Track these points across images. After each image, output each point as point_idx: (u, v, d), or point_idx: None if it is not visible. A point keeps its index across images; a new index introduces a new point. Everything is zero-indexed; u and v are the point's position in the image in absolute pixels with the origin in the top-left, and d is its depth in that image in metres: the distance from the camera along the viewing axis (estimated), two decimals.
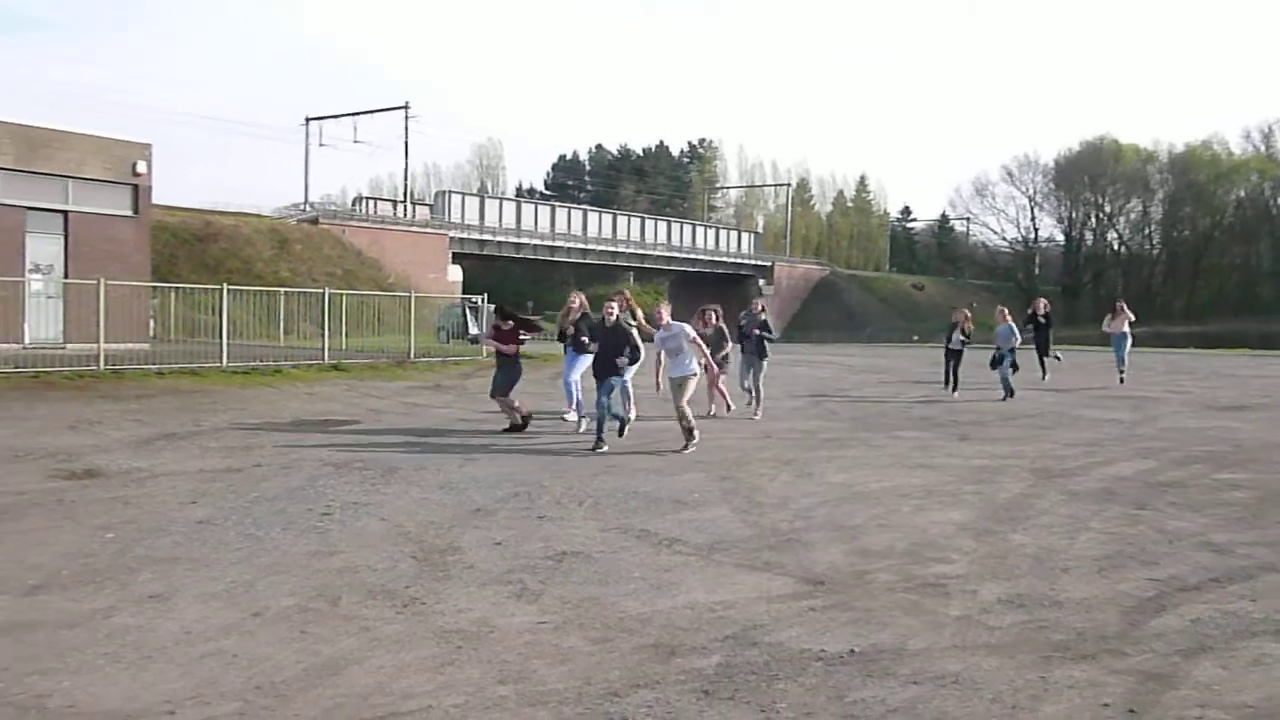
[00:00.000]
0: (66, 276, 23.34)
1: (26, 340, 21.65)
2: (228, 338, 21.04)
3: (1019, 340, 19.29)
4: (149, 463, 10.59)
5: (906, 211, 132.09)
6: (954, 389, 19.67)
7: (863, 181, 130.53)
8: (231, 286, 22.93)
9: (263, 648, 5.06)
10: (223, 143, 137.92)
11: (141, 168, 25.40)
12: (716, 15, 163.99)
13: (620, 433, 12.86)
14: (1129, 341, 23.27)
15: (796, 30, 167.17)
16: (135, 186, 25.47)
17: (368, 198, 77.31)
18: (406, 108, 69.56)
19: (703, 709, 4.42)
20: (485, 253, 71.92)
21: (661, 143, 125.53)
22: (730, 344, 16.15)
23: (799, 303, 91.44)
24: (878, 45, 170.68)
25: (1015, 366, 19.07)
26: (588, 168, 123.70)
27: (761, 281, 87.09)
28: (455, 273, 63.98)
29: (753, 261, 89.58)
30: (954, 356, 19.96)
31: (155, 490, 9.11)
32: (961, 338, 19.89)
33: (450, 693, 4.52)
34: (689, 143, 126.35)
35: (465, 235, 68.07)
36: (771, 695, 4.58)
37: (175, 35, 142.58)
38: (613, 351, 12.55)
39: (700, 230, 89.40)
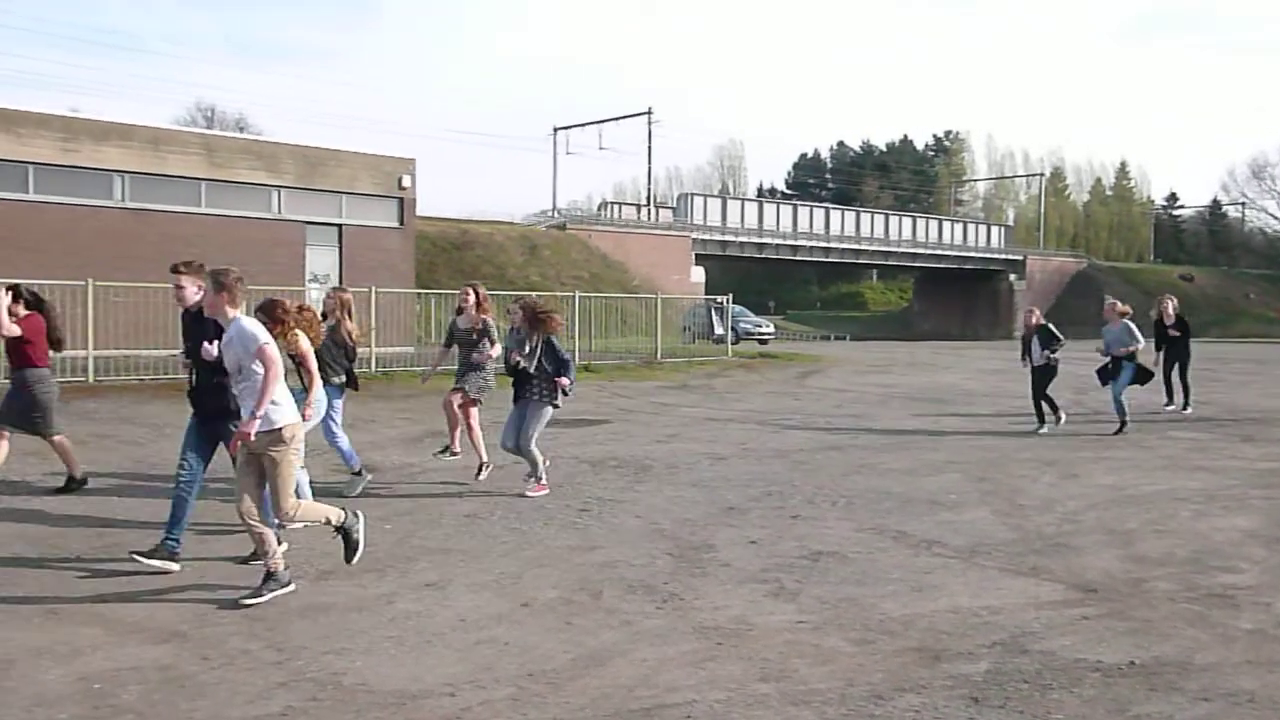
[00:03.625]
0: (340, 285, 25.00)
1: None
2: None
3: (1140, 344, 13.60)
4: (418, 459, 11.21)
5: (1173, 198, 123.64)
6: (1182, 403, 16.05)
7: (1123, 168, 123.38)
8: (487, 292, 23.95)
9: (532, 637, 5.26)
10: (477, 156, 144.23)
11: (406, 181, 26.98)
12: (961, 5, 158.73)
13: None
14: None
15: (1046, 11, 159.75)
16: (401, 199, 27.08)
17: (612, 202, 79.12)
18: (649, 113, 70.73)
19: (972, 716, 4.28)
20: (727, 254, 72.19)
21: (905, 136, 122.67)
22: None
23: (1054, 297, 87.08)
24: (1135, 24, 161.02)
25: (1139, 379, 13.65)
26: (829, 165, 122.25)
27: (1013, 276, 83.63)
28: (698, 274, 64.53)
29: (1003, 256, 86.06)
30: (1171, 359, 16.13)
31: (426, 485, 9.65)
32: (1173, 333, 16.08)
33: (713, 688, 4.56)
34: (934, 135, 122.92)
35: (707, 237, 68.54)
36: (1046, 705, 4.39)
37: (433, 60, 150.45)
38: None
39: (947, 225, 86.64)
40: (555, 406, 9.26)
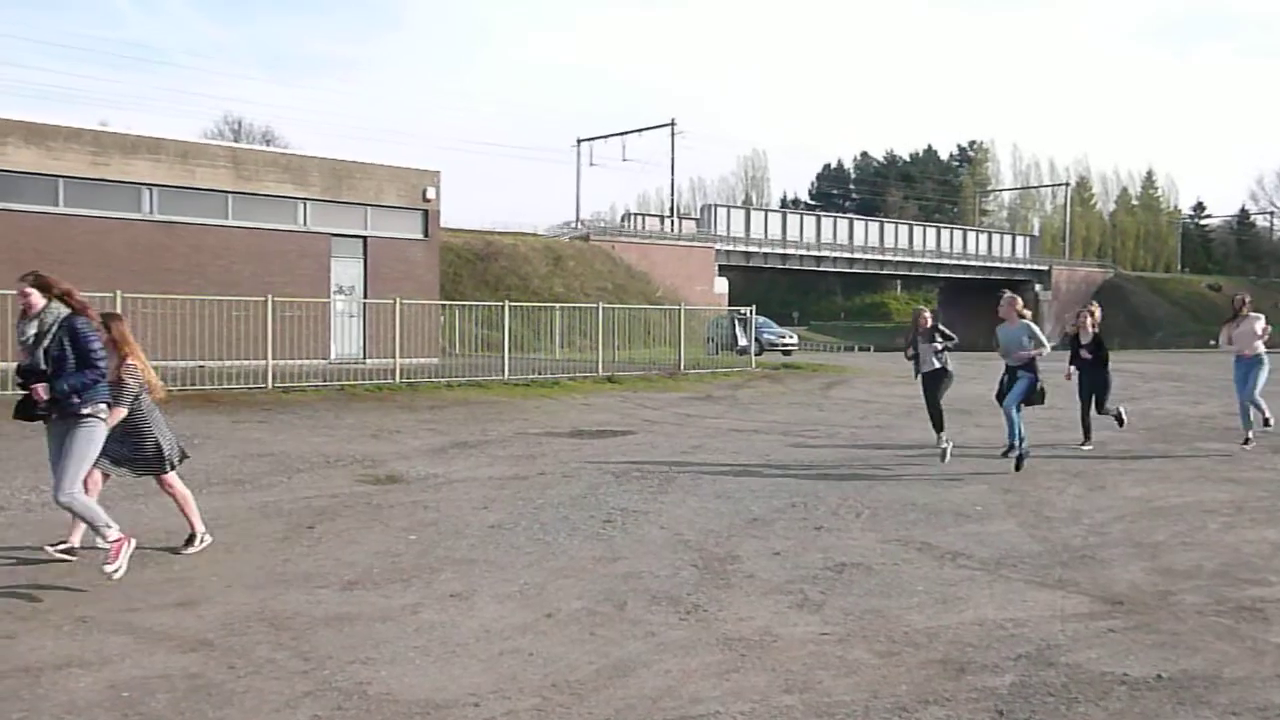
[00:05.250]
0: (366, 297, 25.19)
1: (332, 355, 23.51)
2: (509, 352, 22.10)
3: (1045, 349, 11.14)
4: (444, 469, 11.25)
5: (1200, 207, 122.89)
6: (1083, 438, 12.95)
7: (1149, 177, 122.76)
8: (512, 303, 24.08)
9: (556, 647, 5.27)
10: (501, 167, 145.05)
11: (431, 193, 27.11)
12: (985, 15, 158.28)
13: None
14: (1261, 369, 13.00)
15: (1069, 22, 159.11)
16: (426, 211, 27.21)
17: (636, 213, 79.32)
18: (673, 125, 70.95)
19: None
20: (751, 264, 72.25)
21: (929, 146, 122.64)
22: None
23: (1080, 307, 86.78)
24: (1160, 31, 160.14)
25: (1031, 398, 11.22)
26: (853, 175, 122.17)
27: (1038, 287, 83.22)
28: (721, 285, 64.56)
29: (1028, 266, 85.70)
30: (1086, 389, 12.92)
31: (451, 495, 9.67)
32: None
33: (737, 700, 4.56)
34: (958, 145, 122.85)
35: (731, 247, 68.62)
36: (1072, 718, 4.37)
37: (458, 73, 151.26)
38: None
39: (971, 235, 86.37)
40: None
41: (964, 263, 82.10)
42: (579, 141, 73.70)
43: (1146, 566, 6.98)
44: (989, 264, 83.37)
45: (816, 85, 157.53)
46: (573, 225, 66.91)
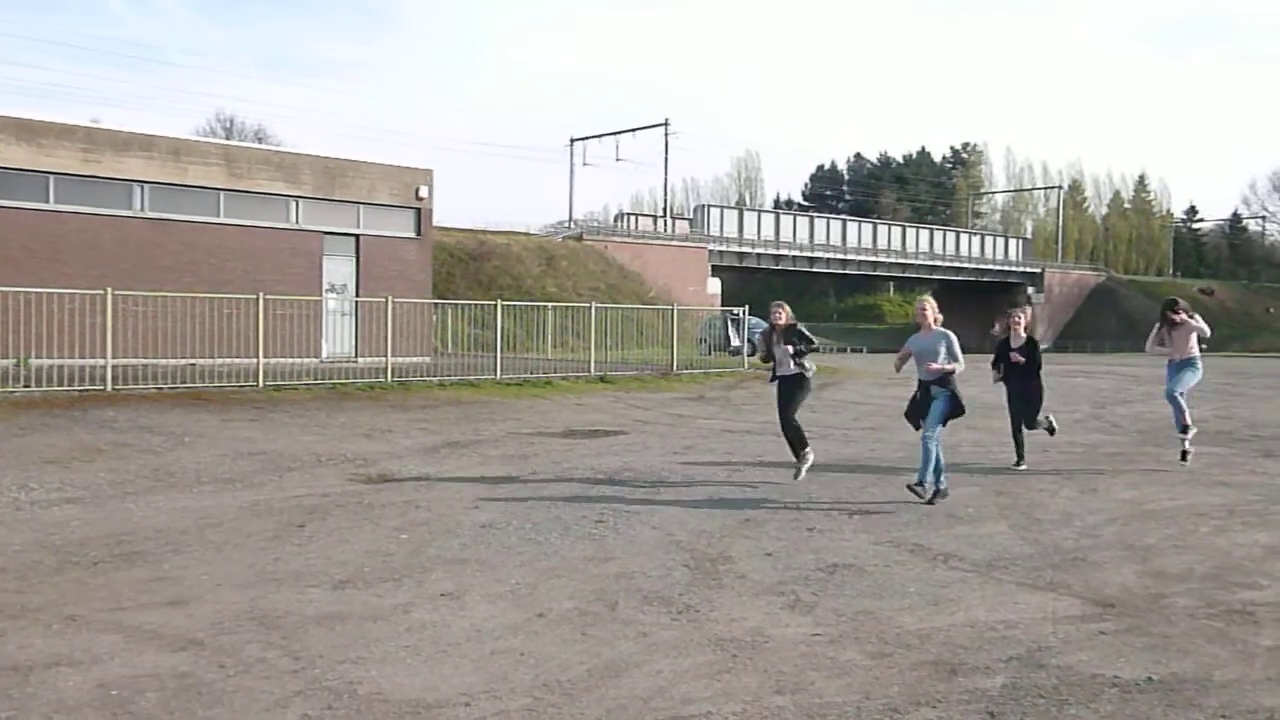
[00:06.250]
0: (358, 295, 25.14)
1: (324, 354, 23.45)
2: (501, 351, 22.08)
3: (959, 366, 9.42)
4: (436, 469, 11.23)
5: (1192, 211, 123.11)
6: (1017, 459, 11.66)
7: (1142, 181, 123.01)
8: (505, 302, 24.05)
9: (548, 647, 5.26)
10: (494, 167, 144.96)
11: (424, 192, 27.06)
12: (981, 16, 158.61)
13: None
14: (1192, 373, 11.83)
15: (1066, 24, 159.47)
16: (418, 210, 27.15)
17: (629, 214, 79.27)
18: (666, 125, 70.92)
19: None
20: (744, 265, 72.28)
21: (923, 149, 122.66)
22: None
23: (1072, 310, 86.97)
24: (1154, 35, 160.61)
25: (954, 413, 9.49)
26: (846, 177, 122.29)
27: (1031, 289, 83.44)
28: (715, 285, 64.60)
29: (1021, 268, 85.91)
30: (1017, 397, 11.62)
31: (443, 495, 9.65)
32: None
33: (729, 700, 4.55)
34: (951, 147, 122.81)
35: (724, 248, 68.64)
36: None
37: (451, 72, 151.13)
38: None
39: (965, 237, 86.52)
40: None
41: (957, 265, 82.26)
42: (572, 141, 73.67)
43: (1138, 569, 6.98)
44: (982, 266, 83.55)
45: (811, 87, 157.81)
46: (566, 225, 66.90)
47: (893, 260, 79.59)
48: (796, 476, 10.46)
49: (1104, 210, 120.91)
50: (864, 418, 17.39)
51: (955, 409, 9.48)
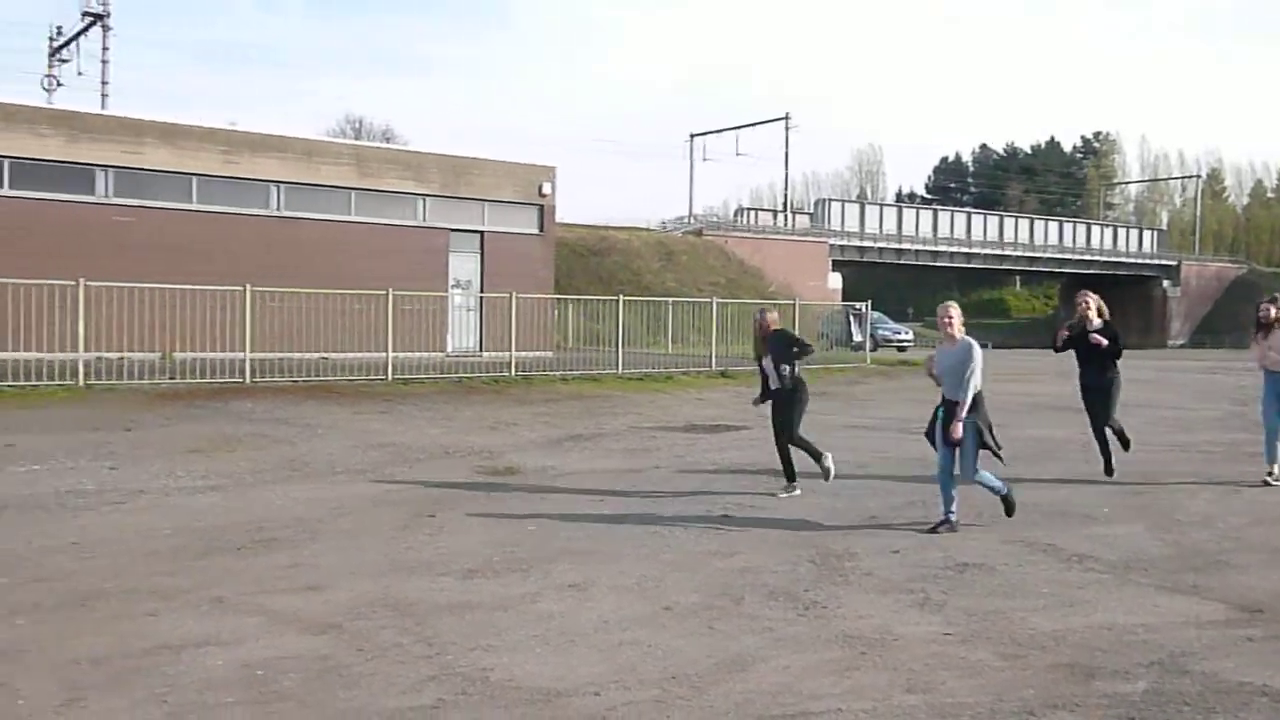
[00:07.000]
0: (482, 291, 25.60)
1: (449, 348, 23.94)
2: (623, 346, 22.23)
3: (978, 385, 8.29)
4: (559, 462, 11.37)
5: None
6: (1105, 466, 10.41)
7: None
8: (625, 298, 24.20)
9: (674, 640, 5.29)
10: (613, 163, 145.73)
11: (546, 189, 27.42)
12: (1112, 2, 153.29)
13: None
14: None
15: (1200, 6, 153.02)
16: (541, 207, 27.53)
17: (749, 208, 78.83)
18: (786, 118, 70.28)
19: None
20: (865, 259, 71.30)
21: (1052, 138, 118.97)
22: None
23: (1210, 303, 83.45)
24: None
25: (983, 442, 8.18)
26: (971, 169, 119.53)
27: (1166, 283, 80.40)
28: (835, 280, 63.86)
29: (1156, 261, 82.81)
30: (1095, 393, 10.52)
31: (567, 487, 9.77)
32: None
33: (857, 697, 4.51)
34: (1082, 137, 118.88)
35: (845, 242, 67.80)
36: None
37: (570, 69, 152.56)
38: None
39: (1095, 229, 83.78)
40: None
41: (1087, 258, 79.69)
42: (692, 137, 73.52)
43: None
44: (1114, 259, 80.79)
45: (935, 77, 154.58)
46: (685, 220, 66.87)
47: (1019, 253, 77.53)
48: (827, 479, 9.56)
49: (1245, 200, 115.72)
50: (989, 414, 16.97)
51: (981, 441, 8.07)
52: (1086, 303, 10.38)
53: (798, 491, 9.37)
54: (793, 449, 9.55)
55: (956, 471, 8.01)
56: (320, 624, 5.47)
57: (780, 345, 9.48)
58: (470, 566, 6.74)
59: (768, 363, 9.55)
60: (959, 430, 7.96)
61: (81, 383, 15.95)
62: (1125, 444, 10.40)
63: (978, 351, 8.14)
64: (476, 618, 5.64)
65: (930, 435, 8.47)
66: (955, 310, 8.38)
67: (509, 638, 5.30)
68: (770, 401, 9.68)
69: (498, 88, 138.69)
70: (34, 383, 15.62)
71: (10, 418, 13.29)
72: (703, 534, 7.80)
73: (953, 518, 7.99)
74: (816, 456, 9.58)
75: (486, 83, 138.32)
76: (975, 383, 8.11)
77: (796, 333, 9.45)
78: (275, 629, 5.39)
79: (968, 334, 8.31)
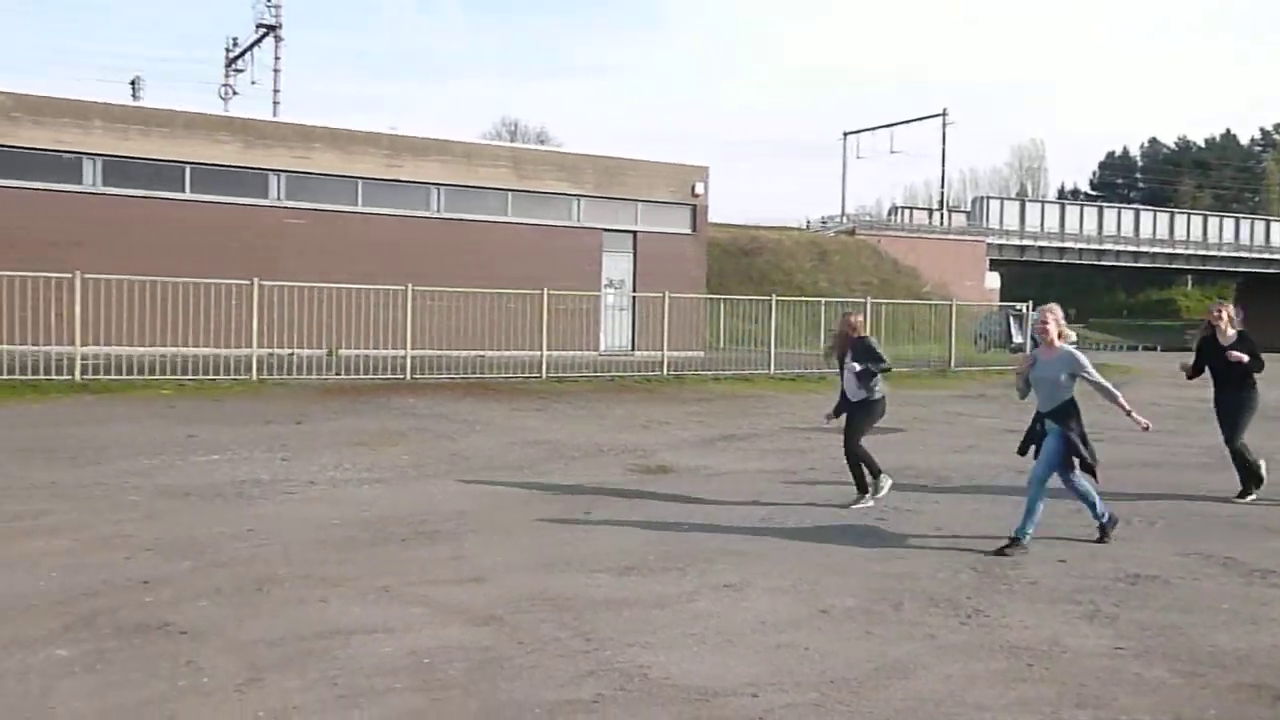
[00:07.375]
0: (635, 290, 25.81)
1: (602, 347, 24.23)
2: (775, 346, 22.10)
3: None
4: (713, 461, 11.37)
5: None
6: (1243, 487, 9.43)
7: None
8: (778, 298, 24.06)
9: (831, 643, 5.22)
10: (766, 162, 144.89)
11: (699, 189, 27.49)
12: None
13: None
14: None
15: None
16: (694, 207, 27.62)
17: (903, 207, 77.50)
18: (944, 114, 68.77)
19: None
20: (1025, 258, 69.22)
21: (1228, 130, 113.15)
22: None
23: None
24: None
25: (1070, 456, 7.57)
26: (1139, 164, 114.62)
27: None
28: (993, 280, 62.21)
29: None
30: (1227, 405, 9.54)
31: (721, 487, 9.76)
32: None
33: (1024, 710, 4.37)
34: (1260, 129, 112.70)
35: (1004, 241, 65.94)
36: None
37: (722, 68, 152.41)
38: None
39: (1275, 225, 79.33)
40: None
41: (1267, 256, 75.51)
42: (845, 135, 72.68)
43: None
44: None
45: (1099, 69, 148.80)
46: (838, 219, 66.12)
47: (1191, 252, 74.01)
48: (875, 496, 8.94)
49: None
50: (1160, 420, 16.15)
51: (1071, 451, 7.48)
52: (1219, 312, 9.55)
53: (870, 503, 8.86)
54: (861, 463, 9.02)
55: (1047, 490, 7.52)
56: (482, 615, 5.60)
57: (862, 352, 9.02)
58: (626, 564, 6.79)
59: (848, 369, 9.10)
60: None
61: (255, 377, 16.73)
62: (1246, 477, 9.31)
63: (1081, 358, 7.55)
64: (633, 614, 5.68)
65: (1024, 451, 7.88)
66: (1054, 314, 7.69)
67: (665, 635, 5.32)
68: (847, 415, 9.23)
69: (653, 89, 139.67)
70: (213, 377, 16.46)
71: (192, 410, 14.04)
72: (859, 537, 7.69)
73: (1025, 539, 7.32)
74: (876, 473, 9.01)
75: (641, 84, 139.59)
76: (1102, 380, 7.62)
77: (880, 348, 9.01)
78: (439, 619, 5.53)
79: (1068, 343, 7.67)
